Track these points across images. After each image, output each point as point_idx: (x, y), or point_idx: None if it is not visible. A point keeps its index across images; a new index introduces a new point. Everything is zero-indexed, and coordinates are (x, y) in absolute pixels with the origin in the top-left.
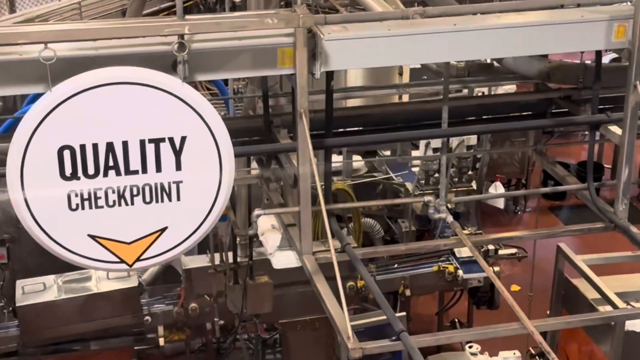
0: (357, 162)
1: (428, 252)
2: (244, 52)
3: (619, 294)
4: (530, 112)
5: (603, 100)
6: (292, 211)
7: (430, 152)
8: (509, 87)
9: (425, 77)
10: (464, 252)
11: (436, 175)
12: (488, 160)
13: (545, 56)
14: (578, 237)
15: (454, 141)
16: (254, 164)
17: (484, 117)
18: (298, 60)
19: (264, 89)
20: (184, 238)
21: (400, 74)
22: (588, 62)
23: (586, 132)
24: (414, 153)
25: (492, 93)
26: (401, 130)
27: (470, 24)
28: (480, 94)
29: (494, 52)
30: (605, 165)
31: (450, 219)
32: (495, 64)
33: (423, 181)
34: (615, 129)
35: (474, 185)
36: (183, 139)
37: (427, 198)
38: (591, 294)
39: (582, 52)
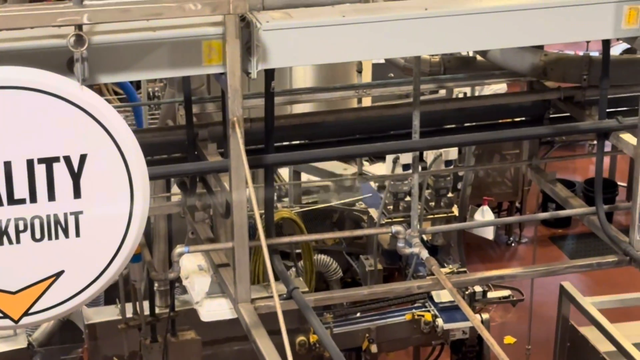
0: (308, 183)
1: (398, 297)
2: (159, 47)
3: (638, 346)
4: (523, 118)
5: (613, 102)
6: (225, 248)
7: (399, 170)
8: (497, 87)
9: (392, 75)
10: (443, 296)
11: (407, 198)
12: (472, 179)
13: (541, 47)
14: (586, 274)
15: (429, 155)
16: (174, 189)
17: (466, 124)
18: (229, 56)
19: (186, 93)
20: (85, 285)
21: (360, 72)
22: (594, 54)
23: (594, 142)
24: (379, 170)
25: (476, 94)
26: (361, 143)
27: (446, 8)
28: (460, 95)
29: (477, 43)
30: (619, 183)
31: (425, 254)
32: (479, 57)
33: (391, 206)
34: (629, 138)
35: (455, 210)
36: (82, 157)
37: (395, 228)
38: (604, 346)
39: (587, 42)
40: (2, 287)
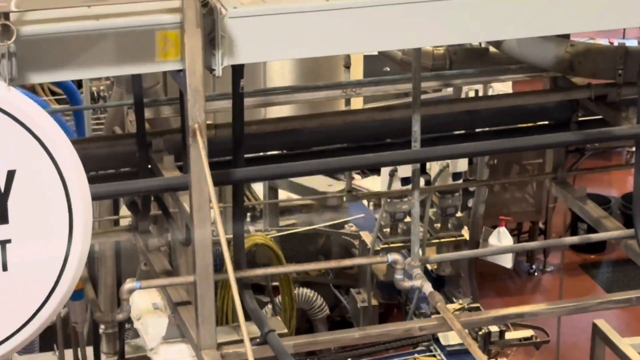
0: (287, 202)
1: (397, 340)
2: (103, 38)
3: None
4: (546, 122)
5: None
6: (185, 282)
7: (397, 185)
8: (504, 86)
9: (387, 70)
10: (452, 337)
11: (407, 219)
12: (486, 195)
13: (567, 37)
14: (624, 310)
15: (434, 167)
16: (123, 210)
17: (478, 130)
18: (188, 50)
19: (136, 94)
20: (16, 329)
21: (348, 67)
22: (631, 43)
23: (632, 149)
24: (373, 186)
25: (489, 94)
26: (351, 153)
27: None
28: (470, 94)
29: (489, 31)
30: None
31: (428, 288)
32: (492, 49)
33: (388, 229)
34: None
35: (465, 234)
36: (10, 174)
37: (392, 256)
38: None
39: (623, 30)
40: None
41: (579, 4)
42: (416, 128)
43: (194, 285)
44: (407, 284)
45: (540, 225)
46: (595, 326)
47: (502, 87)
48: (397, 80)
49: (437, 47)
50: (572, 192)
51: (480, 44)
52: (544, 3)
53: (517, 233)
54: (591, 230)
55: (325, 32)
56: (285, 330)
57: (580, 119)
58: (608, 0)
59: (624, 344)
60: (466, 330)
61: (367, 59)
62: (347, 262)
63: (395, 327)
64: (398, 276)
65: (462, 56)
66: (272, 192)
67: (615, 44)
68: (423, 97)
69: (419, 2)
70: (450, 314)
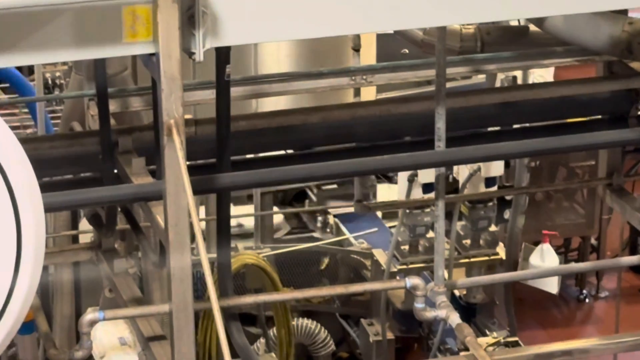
0: (284, 212)
1: None
2: (58, 16)
3: None
4: (599, 116)
5: None
6: (159, 313)
7: (418, 193)
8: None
9: (406, 52)
10: None
11: (430, 235)
12: (526, 205)
13: (624, 13)
14: None
15: (462, 172)
16: (84, 224)
17: (516, 126)
18: (162, 29)
19: (99, 83)
20: None
21: (357, 50)
22: None
23: None
24: (389, 194)
25: (529, 82)
26: (361, 155)
27: None
28: (506, 83)
29: (530, 6)
30: None
31: (455, 318)
32: (532, 27)
33: (406, 247)
34: None
35: (501, 252)
36: None
37: (412, 280)
38: None
39: None
40: None
41: None
42: (440, 124)
43: (169, 316)
44: (430, 313)
45: (593, 241)
46: None
47: (545, 73)
48: (417, 65)
49: (466, 25)
50: (630, 201)
51: (518, 21)
52: None
53: (564, 251)
54: None
55: (329, 7)
56: None
57: None
58: None
59: None
60: None
61: (381, 40)
62: (357, 287)
63: None
64: (419, 304)
65: (496, 36)
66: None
67: None
68: (449, 85)
69: None
70: (482, 351)
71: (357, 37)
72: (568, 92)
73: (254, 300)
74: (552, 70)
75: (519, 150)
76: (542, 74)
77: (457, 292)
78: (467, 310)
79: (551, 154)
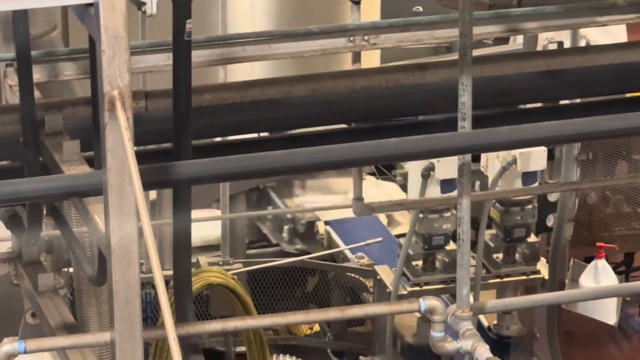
0: (262, 213)
1: None
2: None
3: None
4: None
5: None
6: (97, 344)
7: (435, 191)
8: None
9: (420, 10)
10: None
11: (450, 246)
12: (576, 209)
13: None
14: None
15: (493, 163)
16: None
17: (563, 102)
18: None
19: (19, 45)
20: None
21: (357, 3)
22: None
23: None
24: (395, 193)
25: (581, 45)
26: (362, 138)
27: None
28: (550, 47)
29: None
30: None
31: (484, 352)
32: None
33: (419, 262)
34: None
35: (542, 269)
36: None
37: (429, 301)
38: None
39: None
40: None
41: None
42: (465, 99)
43: (111, 347)
44: (451, 345)
45: None
46: None
47: (601, 35)
48: (435, 23)
49: None
50: None
51: None
52: None
53: (624, 270)
54: None
55: None
56: None
57: None
58: None
59: None
60: None
61: None
62: (356, 312)
63: None
64: (437, 333)
65: None
66: (235, 199)
67: None
68: (477, 51)
69: None
70: None
71: None
72: (632, 57)
73: (221, 328)
74: (623, 30)
75: (567, 132)
76: (602, 38)
77: (485, 322)
78: (499, 344)
79: (609, 138)
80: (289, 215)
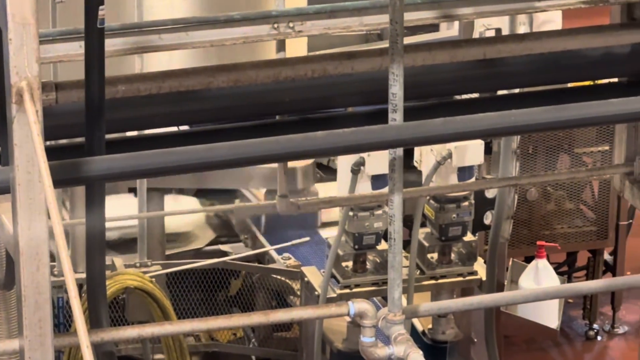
0: (182, 213)
1: None
2: None
3: None
4: (614, 79)
5: None
6: (4, 353)
7: (366, 187)
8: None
9: None
10: None
11: (382, 246)
12: (515, 206)
13: None
14: None
15: (427, 158)
16: None
17: (501, 93)
18: None
19: None
20: None
21: None
22: None
23: None
24: (325, 190)
25: (519, 32)
26: (287, 131)
27: None
28: (487, 34)
29: None
30: None
31: (418, 357)
32: None
33: (349, 263)
34: None
35: (480, 269)
36: None
37: (358, 305)
38: None
39: None
40: None
41: None
42: (396, 89)
43: (20, 355)
44: (382, 351)
45: (606, 256)
46: None
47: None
48: (364, 9)
49: None
50: None
51: None
52: None
53: (567, 270)
54: None
55: None
56: None
57: None
58: None
59: None
60: None
61: None
62: (282, 315)
63: None
64: (366, 339)
65: None
66: (156, 196)
67: None
68: (409, 38)
69: None
70: None
71: None
72: (572, 45)
73: (137, 335)
74: (558, 19)
75: (504, 124)
76: (541, 24)
77: (420, 327)
78: (434, 350)
79: (549, 131)
80: None
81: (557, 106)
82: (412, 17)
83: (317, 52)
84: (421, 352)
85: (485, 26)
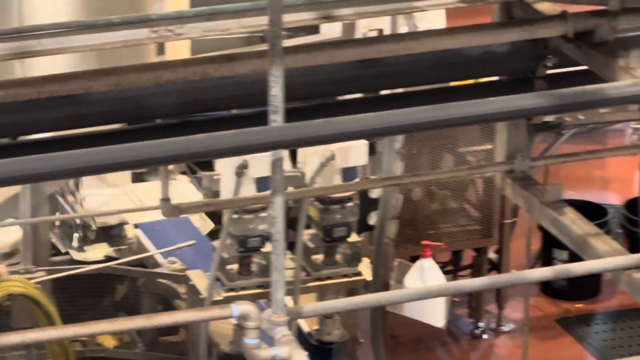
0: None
1: None
2: None
3: None
4: (495, 77)
5: None
6: None
7: (251, 189)
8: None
9: None
10: None
11: (266, 248)
12: (400, 206)
13: None
14: None
15: (310, 161)
16: None
17: (384, 93)
18: None
19: None
20: None
21: None
22: None
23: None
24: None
25: (401, 32)
26: (166, 135)
27: None
28: (370, 34)
29: None
30: None
31: (302, 359)
32: None
33: (234, 267)
34: None
35: (365, 270)
36: None
37: (241, 307)
38: None
39: None
40: None
41: None
42: (276, 91)
43: None
44: (266, 353)
45: (491, 255)
46: None
47: (421, 21)
48: (243, 11)
49: None
50: (539, 193)
51: None
52: None
53: (452, 269)
54: (575, 258)
55: None
56: None
57: (550, 71)
58: None
59: None
60: None
61: None
62: (166, 319)
63: None
64: (250, 340)
65: None
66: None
67: None
68: (290, 40)
69: None
70: None
71: None
72: (452, 44)
73: (20, 340)
74: (442, 18)
75: (386, 124)
76: (421, 24)
77: (306, 328)
78: (320, 351)
79: (431, 129)
80: (78, 221)
81: (438, 105)
82: (291, 18)
83: (198, 55)
84: (305, 353)
85: (367, 27)
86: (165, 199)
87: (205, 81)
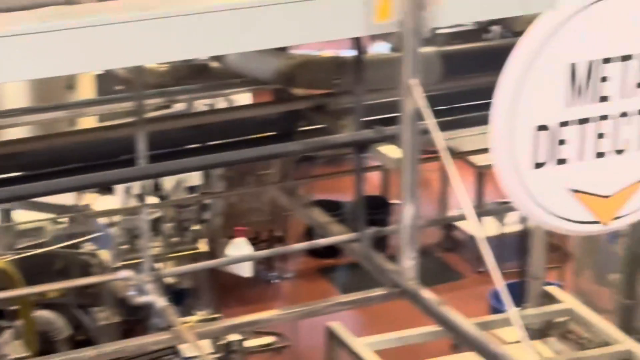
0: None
1: (134, 357)
2: None
3: None
4: (271, 133)
5: (373, 109)
6: None
7: (134, 201)
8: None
9: (120, 88)
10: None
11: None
12: (223, 207)
13: (285, 50)
14: (362, 312)
15: (169, 182)
16: None
17: (210, 143)
18: None
19: None
20: None
21: (71, 88)
22: (348, 53)
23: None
24: (112, 204)
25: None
26: (80, 172)
27: (163, 9)
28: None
29: (204, 47)
30: (395, 202)
31: (161, 302)
32: (213, 64)
33: (127, 246)
34: (390, 150)
35: (202, 246)
36: None
37: (124, 273)
38: None
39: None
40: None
41: (291, 18)
42: (141, 145)
43: None
44: (142, 299)
45: (278, 233)
46: (328, 329)
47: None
48: (123, 98)
49: (161, 64)
50: (297, 199)
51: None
52: (254, 17)
53: (255, 242)
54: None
55: (38, 54)
56: (25, 355)
57: (304, 128)
58: (318, 15)
59: (359, 343)
60: (199, 342)
61: (99, 78)
62: (83, 281)
63: (128, 343)
64: (131, 292)
65: (186, 72)
66: (4, 214)
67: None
68: (152, 114)
69: (130, 21)
70: (183, 327)
71: (72, 77)
72: (247, 114)
73: None
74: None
75: (194, 165)
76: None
77: (171, 281)
78: (178, 295)
79: (236, 165)
80: None
81: (236, 151)
82: (150, 102)
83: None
84: (163, 299)
85: (204, 104)
86: (80, 211)
87: (105, 140)
